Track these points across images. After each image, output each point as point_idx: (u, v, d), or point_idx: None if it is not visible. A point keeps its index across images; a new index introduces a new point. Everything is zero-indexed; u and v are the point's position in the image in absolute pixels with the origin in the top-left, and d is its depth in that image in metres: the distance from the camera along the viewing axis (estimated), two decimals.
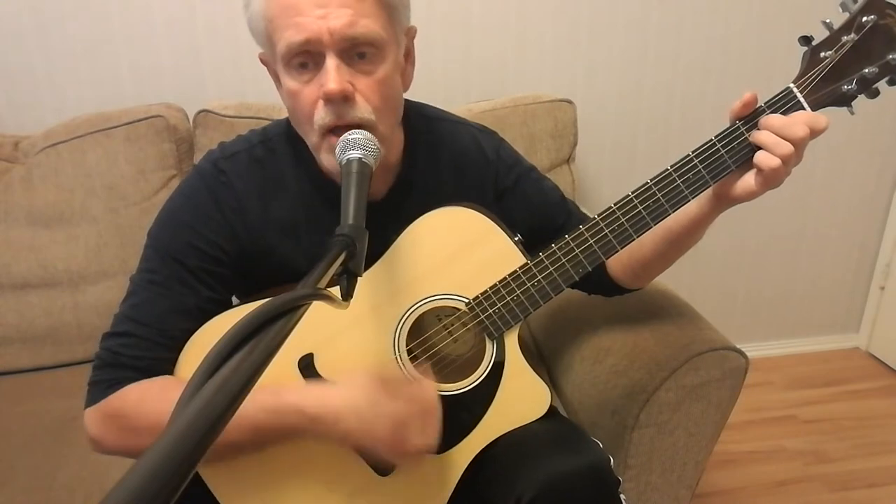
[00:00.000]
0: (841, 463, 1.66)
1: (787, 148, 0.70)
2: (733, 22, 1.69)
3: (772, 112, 0.74)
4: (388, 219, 0.81)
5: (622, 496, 0.80)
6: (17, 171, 1.34)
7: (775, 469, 1.64)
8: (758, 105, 0.75)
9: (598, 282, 0.96)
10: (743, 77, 1.74)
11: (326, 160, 0.74)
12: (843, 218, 1.98)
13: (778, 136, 0.71)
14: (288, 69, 0.72)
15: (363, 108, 0.71)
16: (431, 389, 0.74)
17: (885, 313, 2.06)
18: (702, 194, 0.79)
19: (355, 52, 0.70)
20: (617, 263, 0.94)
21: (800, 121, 0.71)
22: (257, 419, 0.72)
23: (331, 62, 0.69)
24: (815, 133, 0.71)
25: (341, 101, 0.70)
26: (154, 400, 0.74)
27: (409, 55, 0.81)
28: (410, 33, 0.80)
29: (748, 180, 0.75)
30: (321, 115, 0.71)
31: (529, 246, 0.83)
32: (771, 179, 0.73)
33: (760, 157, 0.72)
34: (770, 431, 1.78)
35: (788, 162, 0.71)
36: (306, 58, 0.70)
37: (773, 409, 1.87)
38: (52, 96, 1.49)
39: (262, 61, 0.79)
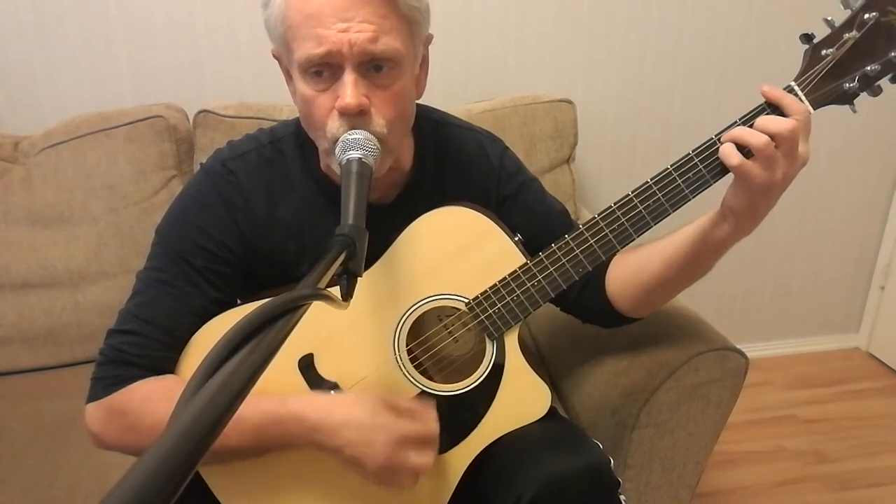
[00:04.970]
0: (841, 463, 1.65)
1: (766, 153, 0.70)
2: (733, 22, 1.69)
3: (772, 111, 0.74)
4: (397, 222, 0.82)
5: (622, 497, 0.80)
6: (17, 172, 1.34)
7: (775, 469, 1.64)
8: (759, 104, 0.75)
9: (597, 310, 0.93)
10: (743, 77, 1.73)
11: (335, 165, 0.74)
12: (842, 218, 1.98)
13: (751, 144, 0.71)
14: (304, 76, 0.71)
15: (377, 122, 0.71)
16: (434, 419, 0.75)
17: (885, 313, 2.06)
18: (716, 216, 0.79)
19: (373, 65, 0.70)
20: (619, 289, 0.90)
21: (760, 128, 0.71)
22: (259, 425, 0.73)
23: (349, 77, 0.69)
24: (773, 135, 0.70)
25: (356, 114, 0.70)
26: (159, 399, 0.74)
27: (423, 63, 0.80)
28: (427, 41, 0.79)
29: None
30: (335, 125, 0.71)
31: (528, 254, 0.82)
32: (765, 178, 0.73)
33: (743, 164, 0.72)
34: (770, 431, 1.78)
35: (770, 166, 0.71)
36: (323, 67, 0.70)
37: (773, 409, 1.86)
38: (52, 96, 1.49)
39: (275, 57, 0.78)
